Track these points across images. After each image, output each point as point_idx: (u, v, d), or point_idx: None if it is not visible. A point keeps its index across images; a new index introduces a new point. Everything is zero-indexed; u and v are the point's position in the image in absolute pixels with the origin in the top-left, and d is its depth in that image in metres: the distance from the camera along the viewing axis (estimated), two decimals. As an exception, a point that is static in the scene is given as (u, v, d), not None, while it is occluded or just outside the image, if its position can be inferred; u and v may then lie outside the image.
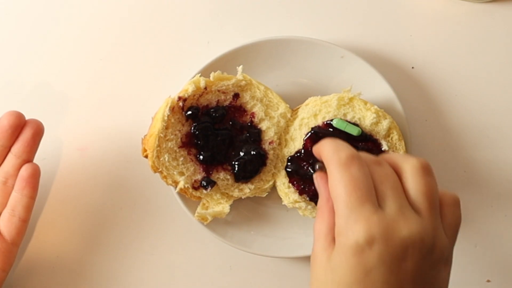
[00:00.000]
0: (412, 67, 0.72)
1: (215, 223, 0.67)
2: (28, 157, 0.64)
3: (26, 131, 0.63)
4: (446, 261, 0.50)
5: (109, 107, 0.73)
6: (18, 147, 0.63)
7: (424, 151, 0.71)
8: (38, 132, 0.64)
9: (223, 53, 0.68)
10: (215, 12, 0.74)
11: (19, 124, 0.63)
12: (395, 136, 0.65)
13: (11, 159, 0.64)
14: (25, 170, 0.63)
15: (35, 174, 0.64)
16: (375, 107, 0.65)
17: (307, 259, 0.70)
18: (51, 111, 0.73)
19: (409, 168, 0.50)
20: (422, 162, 0.51)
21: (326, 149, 0.51)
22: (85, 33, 0.74)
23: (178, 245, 0.71)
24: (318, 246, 0.51)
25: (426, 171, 0.50)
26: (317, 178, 0.53)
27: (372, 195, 0.49)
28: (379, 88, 0.68)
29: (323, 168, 0.52)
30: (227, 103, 0.66)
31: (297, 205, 0.66)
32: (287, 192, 0.66)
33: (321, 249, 0.50)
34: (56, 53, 0.74)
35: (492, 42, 0.72)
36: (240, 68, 0.66)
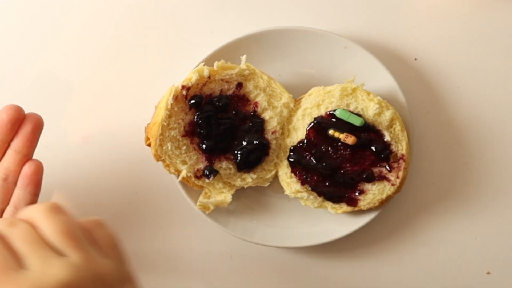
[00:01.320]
0: (415, 59, 0.72)
1: (217, 213, 0.67)
2: (28, 152, 0.63)
3: (25, 125, 0.62)
4: (123, 280, 0.50)
5: (112, 95, 0.73)
6: (17, 142, 0.62)
7: (426, 142, 0.71)
8: (38, 126, 0.63)
9: (227, 43, 0.68)
10: (219, 1, 0.73)
11: (18, 118, 0.62)
12: (397, 127, 0.65)
13: (11, 155, 0.63)
14: (28, 167, 0.62)
15: (38, 171, 0.63)
16: (378, 97, 0.65)
17: (308, 249, 0.70)
18: (54, 100, 0.73)
19: (38, 215, 0.49)
20: (47, 205, 0.49)
21: None
22: (88, 22, 0.74)
23: (179, 234, 0.72)
24: None
25: (55, 210, 0.49)
26: None
27: (10, 261, 0.46)
28: (382, 79, 0.68)
29: None
30: (230, 92, 0.66)
31: (299, 195, 0.66)
32: (289, 182, 0.66)
33: None
34: (60, 41, 0.74)
35: (495, 35, 0.72)
36: (243, 58, 0.66)
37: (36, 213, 0.49)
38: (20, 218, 0.50)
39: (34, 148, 0.63)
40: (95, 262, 0.48)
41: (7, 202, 0.63)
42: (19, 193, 0.62)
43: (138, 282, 0.52)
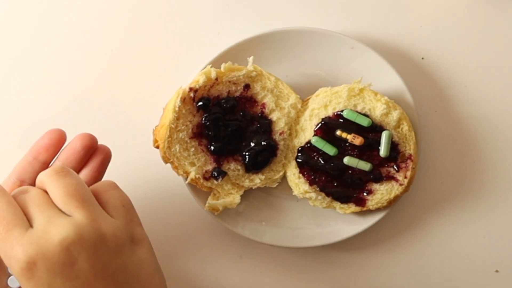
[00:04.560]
0: (422, 58, 0.72)
1: (226, 214, 0.68)
2: (95, 183, 0.62)
3: (96, 156, 0.62)
4: (130, 242, 0.51)
5: (120, 98, 0.73)
6: (86, 173, 0.62)
7: (433, 141, 0.71)
8: (107, 158, 0.63)
9: (234, 44, 0.68)
10: (225, 2, 0.74)
11: (92, 146, 0.62)
12: (405, 127, 0.65)
13: None
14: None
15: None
16: (385, 98, 0.65)
17: (318, 249, 0.71)
18: (62, 103, 0.73)
19: (47, 179, 0.51)
20: (54, 168, 0.51)
21: None
22: (95, 25, 0.74)
23: (188, 235, 0.72)
24: None
25: (62, 173, 0.51)
26: None
27: (19, 219, 0.49)
28: (389, 79, 0.68)
29: None
30: (237, 93, 0.67)
31: (307, 195, 0.66)
32: (297, 183, 0.66)
33: None
34: (67, 45, 0.74)
35: (502, 33, 0.72)
36: (250, 59, 0.66)
37: (45, 178, 0.51)
38: (36, 184, 0.53)
39: (100, 180, 0.63)
40: (100, 221, 0.50)
41: None
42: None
43: (150, 244, 0.53)
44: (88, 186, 0.61)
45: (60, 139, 0.63)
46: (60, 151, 0.62)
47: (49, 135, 0.62)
